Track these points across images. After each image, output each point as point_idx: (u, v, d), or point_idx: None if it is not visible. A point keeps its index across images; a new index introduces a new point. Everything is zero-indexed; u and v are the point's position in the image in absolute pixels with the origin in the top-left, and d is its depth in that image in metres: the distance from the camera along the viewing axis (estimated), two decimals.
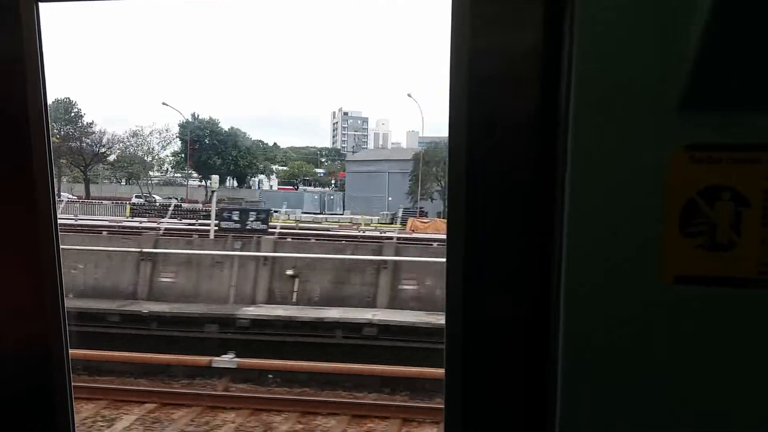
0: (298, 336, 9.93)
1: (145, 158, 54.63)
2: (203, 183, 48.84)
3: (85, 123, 48.54)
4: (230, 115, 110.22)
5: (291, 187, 62.16)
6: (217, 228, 14.19)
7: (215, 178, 28.91)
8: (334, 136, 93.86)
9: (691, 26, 0.71)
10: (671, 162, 0.75)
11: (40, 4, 0.94)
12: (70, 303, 10.21)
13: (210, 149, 53.56)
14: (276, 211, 25.78)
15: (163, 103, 72.58)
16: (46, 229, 0.97)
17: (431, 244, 13.37)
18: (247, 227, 13.41)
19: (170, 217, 23.80)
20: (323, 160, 79.75)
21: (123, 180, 53.92)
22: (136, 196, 39.20)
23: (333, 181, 68.02)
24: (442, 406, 0.94)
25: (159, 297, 11.52)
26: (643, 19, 0.74)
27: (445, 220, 0.92)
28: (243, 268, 11.83)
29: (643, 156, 0.76)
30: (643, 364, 0.80)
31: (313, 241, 14.72)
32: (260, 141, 69.22)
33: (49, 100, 1.01)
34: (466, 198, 0.87)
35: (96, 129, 48.27)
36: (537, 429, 0.89)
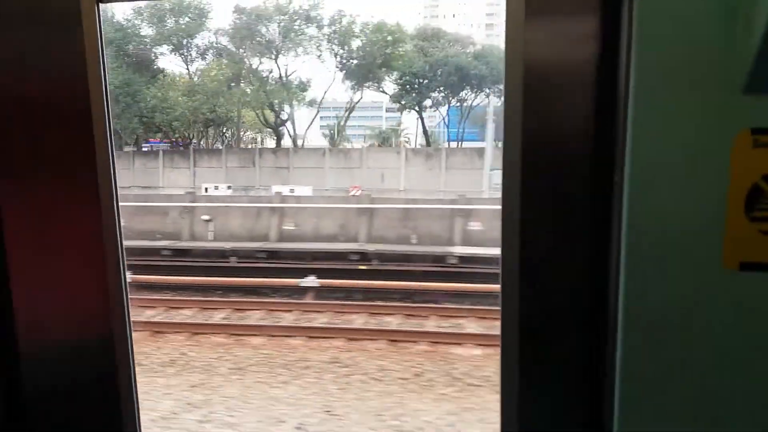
0: None
1: None
2: None
3: None
4: None
5: None
6: None
7: None
8: None
9: (755, 6, 0.69)
10: (735, 145, 0.73)
11: (101, 5, 0.96)
12: None
13: None
14: None
15: None
16: (110, 221, 0.99)
17: None
18: None
19: None
20: None
21: None
22: None
23: None
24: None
25: None
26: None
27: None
28: None
29: (706, 139, 0.74)
30: (707, 353, 0.78)
31: None
32: None
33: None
34: (521, 186, 0.86)
35: None
36: (596, 422, 0.88)
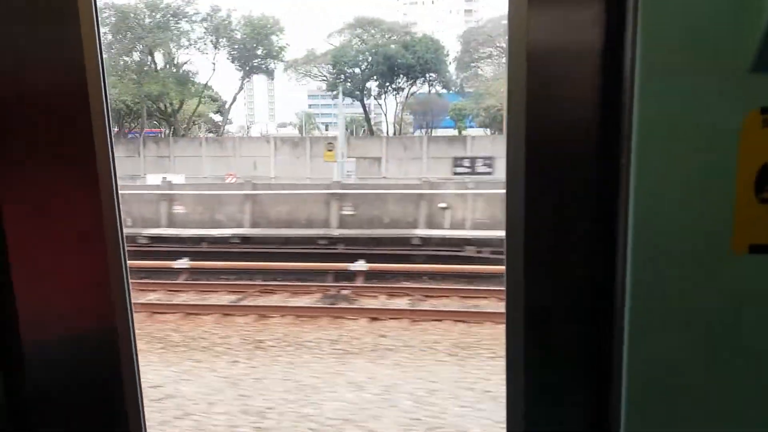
0: None
1: None
2: None
3: None
4: None
5: None
6: None
7: None
8: None
9: None
10: (744, 126, 0.72)
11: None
12: None
13: None
14: None
15: None
16: (110, 213, 0.98)
17: None
18: None
19: None
20: None
21: None
22: None
23: None
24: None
25: None
26: None
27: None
28: None
29: (714, 120, 0.73)
30: (718, 344, 0.76)
31: None
32: None
33: None
34: (525, 171, 0.84)
35: None
36: (602, 415, 0.86)
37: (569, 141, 0.83)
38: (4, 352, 1.00)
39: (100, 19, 0.95)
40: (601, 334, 0.84)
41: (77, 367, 1.01)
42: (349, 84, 35.01)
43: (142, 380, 1.06)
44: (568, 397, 0.89)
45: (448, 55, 36.11)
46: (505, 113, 0.86)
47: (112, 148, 0.98)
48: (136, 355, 1.04)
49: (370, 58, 34.16)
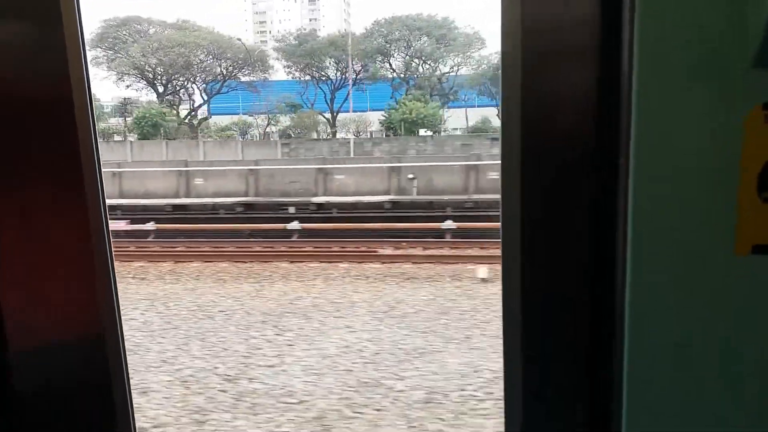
0: None
1: None
2: None
3: None
4: None
5: None
6: None
7: None
8: None
9: None
10: (747, 122, 0.70)
11: None
12: None
13: None
14: None
15: None
16: (96, 218, 0.95)
17: None
18: None
19: None
20: None
21: None
22: None
23: None
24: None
25: None
26: None
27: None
28: None
29: (715, 117, 0.71)
30: (720, 345, 0.75)
31: None
32: None
33: None
34: (521, 170, 0.82)
35: None
36: (602, 413, 0.84)
37: (566, 141, 0.81)
38: None
39: (83, 22, 0.94)
40: (602, 335, 0.82)
41: (66, 373, 1.00)
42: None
43: (131, 382, 1.06)
44: (567, 397, 0.87)
45: None
46: (500, 114, 0.84)
47: (97, 153, 0.96)
48: (125, 357, 1.03)
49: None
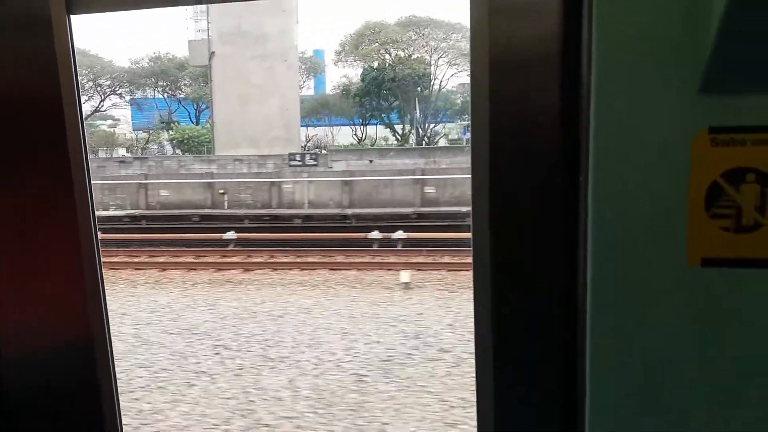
0: None
1: None
2: None
3: None
4: None
5: None
6: None
7: None
8: None
9: (709, 9, 0.70)
10: (694, 145, 0.74)
11: (72, 16, 0.97)
12: None
13: None
14: None
15: None
16: (85, 223, 0.99)
17: None
18: None
19: None
20: None
21: None
22: None
23: None
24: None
25: None
26: (661, 1, 0.73)
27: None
28: None
29: (666, 140, 0.75)
30: (672, 347, 0.79)
31: None
32: None
33: None
34: (489, 187, 0.87)
35: None
36: (571, 423, 0.88)
37: (530, 158, 0.86)
38: None
39: (74, 34, 0.97)
40: (567, 339, 0.88)
41: (55, 376, 1.03)
42: None
43: (118, 385, 1.08)
44: (537, 399, 0.92)
45: None
46: (471, 121, 0.89)
47: (86, 160, 0.99)
48: (113, 360, 1.06)
49: None
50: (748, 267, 0.75)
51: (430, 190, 14.37)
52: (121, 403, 1.09)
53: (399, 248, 11.98)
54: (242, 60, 21.34)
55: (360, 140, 39.35)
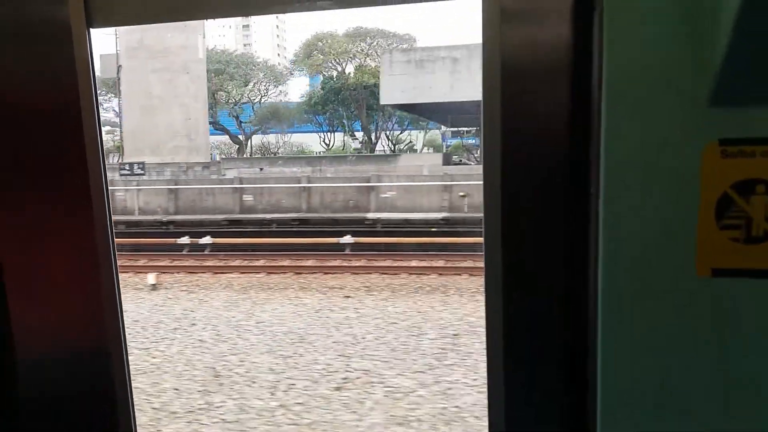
0: None
1: None
2: None
3: None
4: None
5: None
6: None
7: None
8: None
9: (718, 22, 0.71)
10: (704, 156, 0.75)
11: (92, 29, 1.00)
12: None
13: None
14: None
15: None
16: (102, 230, 1.00)
17: None
18: None
19: None
20: None
21: None
22: None
23: None
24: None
25: None
26: (672, 13, 0.74)
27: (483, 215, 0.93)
28: None
29: (676, 152, 0.76)
30: (683, 353, 0.81)
31: None
32: None
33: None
34: (501, 196, 0.89)
35: None
36: (580, 419, 0.91)
37: (541, 170, 0.88)
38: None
39: (93, 44, 1.01)
40: (578, 344, 0.89)
41: (70, 380, 1.06)
42: None
43: (133, 390, 1.10)
44: (548, 400, 0.93)
45: None
46: (482, 128, 0.90)
47: (104, 167, 1.02)
48: (128, 366, 1.08)
49: None
50: (758, 277, 0.76)
51: (248, 197, 15.01)
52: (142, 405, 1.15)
53: (206, 253, 12.64)
54: (144, 73, 22.54)
55: (328, 147, 40.51)
